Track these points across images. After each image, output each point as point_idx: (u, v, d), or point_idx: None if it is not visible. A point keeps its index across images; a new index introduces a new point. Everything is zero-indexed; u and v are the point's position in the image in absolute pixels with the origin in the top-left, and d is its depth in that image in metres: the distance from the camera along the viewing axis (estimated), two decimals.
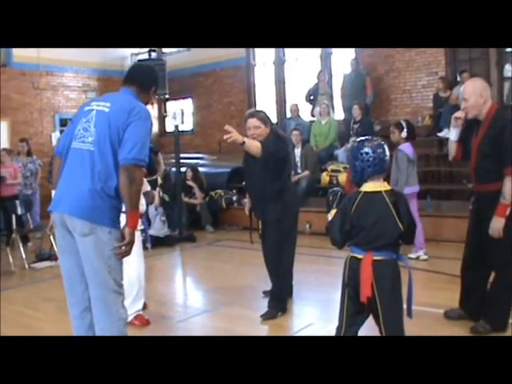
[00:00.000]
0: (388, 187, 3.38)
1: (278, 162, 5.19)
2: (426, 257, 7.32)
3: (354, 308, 3.40)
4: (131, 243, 3.37)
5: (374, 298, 3.28)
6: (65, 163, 3.49)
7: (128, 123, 3.32)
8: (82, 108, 3.60)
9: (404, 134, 7.21)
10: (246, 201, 5.80)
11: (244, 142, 4.86)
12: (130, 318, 5.11)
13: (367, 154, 3.32)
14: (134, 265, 5.10)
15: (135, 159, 3.27)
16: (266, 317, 5.22)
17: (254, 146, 4.96)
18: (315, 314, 5.56)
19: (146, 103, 3.74)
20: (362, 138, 3.44)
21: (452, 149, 4.90)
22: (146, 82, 3.64)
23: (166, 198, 9.67)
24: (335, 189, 4.18)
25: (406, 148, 7.20)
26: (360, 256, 3.33)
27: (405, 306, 3.41)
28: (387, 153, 3.37)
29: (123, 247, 3.36)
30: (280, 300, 5.37)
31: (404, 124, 7.31)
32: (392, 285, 3.31)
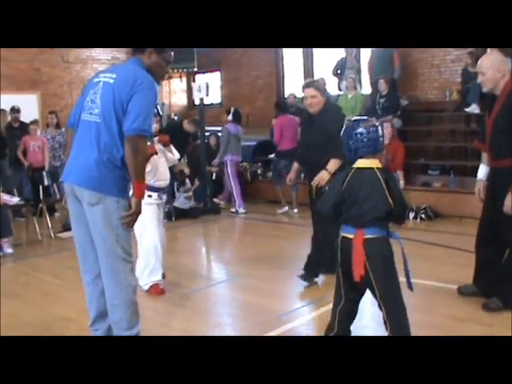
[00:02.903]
0: (379, 165, 3.43)
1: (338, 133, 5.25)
2: (244, 211, 9.71)
3: (349, 286, 3.44)
4: (137, 213, 3.43)
5: (369, 277, 3.31)
6: (76, 135, 3.57)
7: (132, 94, 3.34)
8: (91, 79, 3.64)
9: (230, 117, 10.17)
10: (293, 173, 5.76)
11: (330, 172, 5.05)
12: (146, 287, 5.29)
13: (361, 134, 3.38)
14: (150, 236, 5.29)
15: (139, 130, 3.31)
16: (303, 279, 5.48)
17: (337, 162, 5.01)
18: None
19: (160, 76, 3.77)
20: (357, 117, 3.46)
21: (478, 188, 4.79)
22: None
23: (187, 171, 9.69)
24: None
25: (229, 126, 10.04)
26: (351, 236, 3.35)
27: (404, 279, 3.41)
28: (381, 134, 3.44)
29: (129, 217, 3.42)
30: (317, 266, 5.54)
31: (232, 110, 10.28)
32: (385, 262, 3.35)
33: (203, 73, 14.20)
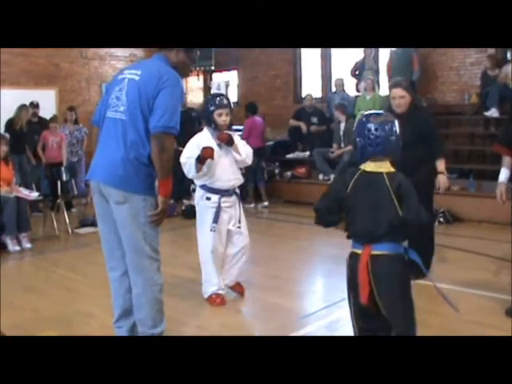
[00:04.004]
0: (391, 169, 2.99)
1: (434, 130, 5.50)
2: None
3: (360, 311, 3.03)
4: (163, 212, 3.44)
5: (374, 299, 2.94)
6: (101, 132, 3.57)
7: (158, 90, 3.32)
8: (116, 76, 3.63)
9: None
10: None
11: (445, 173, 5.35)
12: (206, 296, 5.06)
13: (369, 130, 2.95)
14: (204, 243, 4.96)
15: (165, 127, 3.30)
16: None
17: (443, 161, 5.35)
18: None
19: (185, 74, 3.77)
20: (370, 112, 3.14)
21: (500, 191, 4.74)
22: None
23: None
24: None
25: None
26: (359, 251, 2.97)
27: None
28: (395, 132, 2.99)
29: (156, 216, 3.43)
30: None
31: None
32: (392, 285, 2.93)
33: (220, 71, 14.21)
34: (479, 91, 10.10)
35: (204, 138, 4.89)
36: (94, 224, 8.25)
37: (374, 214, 2.92)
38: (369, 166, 2.99)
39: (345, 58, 12.35)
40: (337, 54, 12.66)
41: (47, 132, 10.02)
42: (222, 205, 4.84)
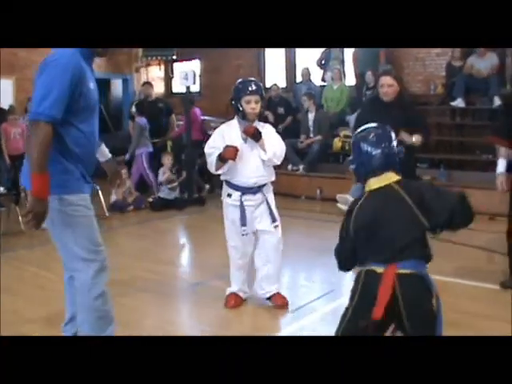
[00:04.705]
0: (396, 177, 2.85)
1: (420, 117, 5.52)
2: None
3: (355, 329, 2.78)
4: (33, 214, 2.91)
5: (399, 320, 2.72)
6: None
7: (38, 77, 2.99)
8: None
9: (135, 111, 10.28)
10: None
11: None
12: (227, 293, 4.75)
13: (363, 148, 2.88)
14: (228, 242, 4.67)
15: (34, 113, 2.94)
16: None
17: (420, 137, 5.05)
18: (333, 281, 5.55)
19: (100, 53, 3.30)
20: (362, 128, 3.02)
21: (501, 181, 4.76)
22: None
23: (169, 160, 9.50)
24: None
25: (139, 120, 9.93)
26: (379, 269, 2.72)
27: None
28: (389, 144, 2.89)
29: (27, 216, 2.93)
30: None
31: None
32: (427, 305, 2.70)
33: (182, 61, 13.98)
34: (444, 82, 10.21)
35: (230, 128, 4.48)
36: None
37: (396, 232, 2.73)
38: (373, 184, 2.87)
39: (308, 48, 12.29)
40: None
41: (6, 124, 9.71)
42: (245, 203, 4.43)
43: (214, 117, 12.84)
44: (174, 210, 9.09)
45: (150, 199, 9.36)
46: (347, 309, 2.86)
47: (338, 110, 10.75)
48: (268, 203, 4.50)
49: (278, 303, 4.61)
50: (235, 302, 4.65)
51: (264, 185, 4.50)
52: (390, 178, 2.84)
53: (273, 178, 4.57)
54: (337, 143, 10.05)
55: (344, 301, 4.68)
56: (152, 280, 5.46)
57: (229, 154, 4.27)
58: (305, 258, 6.17)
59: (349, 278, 5.55)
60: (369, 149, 2.87)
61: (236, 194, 4.44)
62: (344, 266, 3.00)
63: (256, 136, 4.33)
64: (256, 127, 4.35)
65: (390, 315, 2.69)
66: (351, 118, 10.31)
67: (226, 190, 4.56)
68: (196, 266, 6.45)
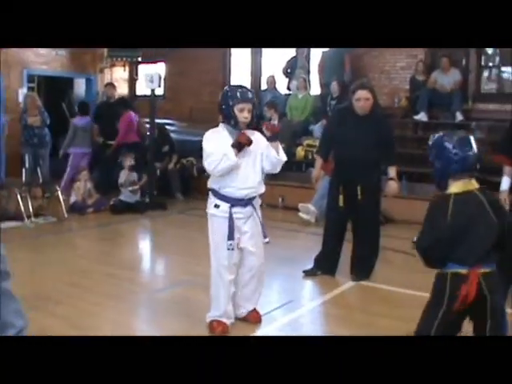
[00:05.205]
0: (477, 185, 3.04)
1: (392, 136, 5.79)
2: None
3: (446, 324, 3.03)
4: None
5: (482, 315, 2.98)
6: None
7: None
8: None
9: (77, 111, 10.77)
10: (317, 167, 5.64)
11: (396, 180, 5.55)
12: (207, 321, 4.35)
13: (447, 149, 3.01)
14: (214, 259, 4.27)
15: None
16: (359, 280, 5.56)
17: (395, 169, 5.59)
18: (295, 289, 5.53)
19: None
20: (444, 132, 3.14)
21: (504, 198, 4.71)
22: None
23: (130, 161, 9.40)
24: None
25: (77, 120, 10.38)
26: (464, 271, 2.95)
27: None
28: (473, 147, 3.02)
29: None
30: (372, 265, 5.68)
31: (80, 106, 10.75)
32: (502, 301, 3.08)
33: (147, 63, 13.84)
34: (408, 95, 10.34)
35: (219, 136, 4.13)
36: (16, 218, 7.87)
37: (479, 237, 2.94)
38: (458, 187, 3.01)
39: (275, 55, 12.33)
40: (267, 50, 12.61)
41: None
42: (234, 216, 4.13)
43: (178, 120, 12.79)
44: (135, 214, 8.94)
45: (112, 202, 9.20)
46: (435, 309, 3.04)
47: (302, 119, 10.77)
48: (258, 217, 4.29)
49: (252, 321, 4.47)
50: (223, 328, 4.25)
51: (254, 197, 4.26)
52: (473, 183, 3.03)
53: (262, 191, 4.31)
54: (300, 152, 10.08)
55: (303, 311, 4.83)
56: (112, 285, 5.37)
57: (244, 139, 3.97)
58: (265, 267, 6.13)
59: (308, 289, 5.61)
60: (454, 151, 3.00)
61: (225, 206, 4.14)
62: (435, 262, 3.06)
63: (251, 143, 4.03)
64: (249, 136, 4.03)
65: (473, 314, 3.02)
66: (315, 128, 10.38)
67: (212, 200, 4.22)
68: (157, 272, 6.39)
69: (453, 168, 3.00)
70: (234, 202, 4.13)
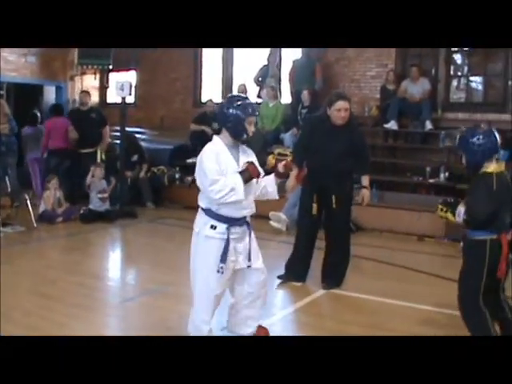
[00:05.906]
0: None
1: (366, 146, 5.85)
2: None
3: (486, 285, 3.75)
4: None
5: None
6: None
7: None
8: None
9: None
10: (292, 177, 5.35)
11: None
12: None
13: (479, 138, 3.73)
14: (203, 283, 3.95)
15: None
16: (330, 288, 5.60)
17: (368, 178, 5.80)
18: None
19: None
20: (471, 127, 3.93)
21: None
22: None
23: (100, 172, 9.33)
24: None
25: (26, 129, 10.51)
26: (495, 236, 3.71)
27: None
28: (494, 134, 3.80)
29: None
30: (343, 273, 5.71)
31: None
32: None
33: (118, 71, 13.75)
34: (379, 104, 10.43)
35: (218, 149, 3.90)
36: None
37: (510, 207, 3.76)
38: (495, 167, 3.74)
39: (246, 63, 12.36)
40: (238, 58, 12.63)
41: None
42: (230, 236, 3.86)
43: (149, 129, 12.73)
44: (105, 223, 8.85)
45: (81, 211, 9.09)
46: (478, 272, 3.76)
47: (273, 128, 10.79)
48: (251, 236, 4.09)
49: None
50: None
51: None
52: (502, 165, 3.82)
53: (254, 210, 4.10)
54: (271, 160, 10.02)
55: (274, 320, 4.82)
56: (82, 295, 5.31)
57: (255, 173, 3.81)
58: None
59: (279, 297, 5.61)
60: (484, 141, 3.74)
61: (222, 227, 3.84)
62: (486, 224, 3.69)
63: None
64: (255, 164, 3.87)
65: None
66: (286, 136, 10.40)
67: (206, 220, 3.90)
68: (126, 281, 6.34)
69: (489, 150, 3.72)
70: (232, 222, 3.87)
